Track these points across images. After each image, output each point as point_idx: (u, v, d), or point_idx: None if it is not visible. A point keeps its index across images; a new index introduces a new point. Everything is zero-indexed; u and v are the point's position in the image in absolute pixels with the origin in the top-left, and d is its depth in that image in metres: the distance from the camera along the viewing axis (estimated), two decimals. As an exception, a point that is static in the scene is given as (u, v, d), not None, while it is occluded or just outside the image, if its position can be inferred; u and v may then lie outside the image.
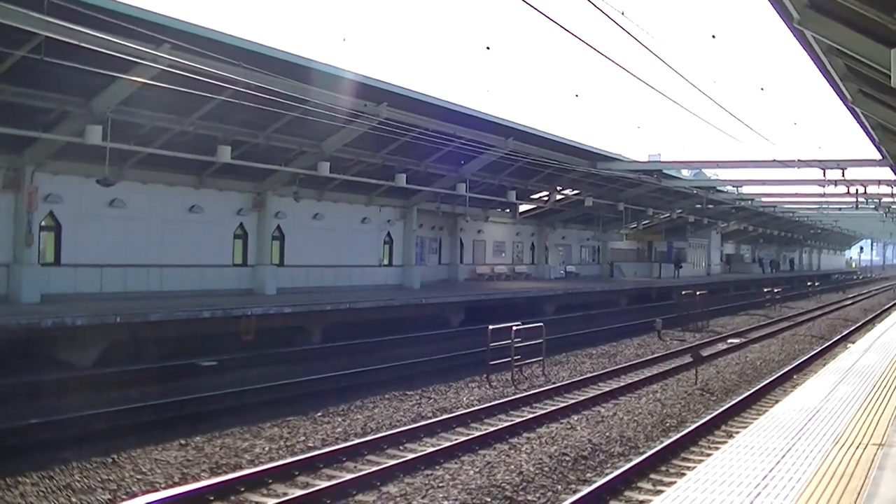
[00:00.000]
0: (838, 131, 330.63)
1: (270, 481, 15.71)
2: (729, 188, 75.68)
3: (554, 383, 27.25)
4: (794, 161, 49.36)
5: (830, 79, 24.15)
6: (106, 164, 29.12)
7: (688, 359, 30.98)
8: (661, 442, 19.34)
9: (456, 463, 17.36)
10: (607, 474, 16.46)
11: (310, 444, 18.66)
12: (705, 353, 33.44)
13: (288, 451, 18.02)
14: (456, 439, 19.29)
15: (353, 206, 48.30)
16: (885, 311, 59.58)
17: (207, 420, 20.42)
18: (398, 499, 14.73)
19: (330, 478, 16.12)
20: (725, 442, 16.11)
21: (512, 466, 16.92)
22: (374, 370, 28.02)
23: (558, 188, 60.43)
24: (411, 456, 17.61)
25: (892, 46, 16.11)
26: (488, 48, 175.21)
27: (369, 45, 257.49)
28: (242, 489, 15.14)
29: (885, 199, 70.87)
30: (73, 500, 14.32)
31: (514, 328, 28.19)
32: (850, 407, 16.04)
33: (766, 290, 67.82)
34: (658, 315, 45.26)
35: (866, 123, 31.57)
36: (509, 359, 27.99)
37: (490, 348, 27.74)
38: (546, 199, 61.83)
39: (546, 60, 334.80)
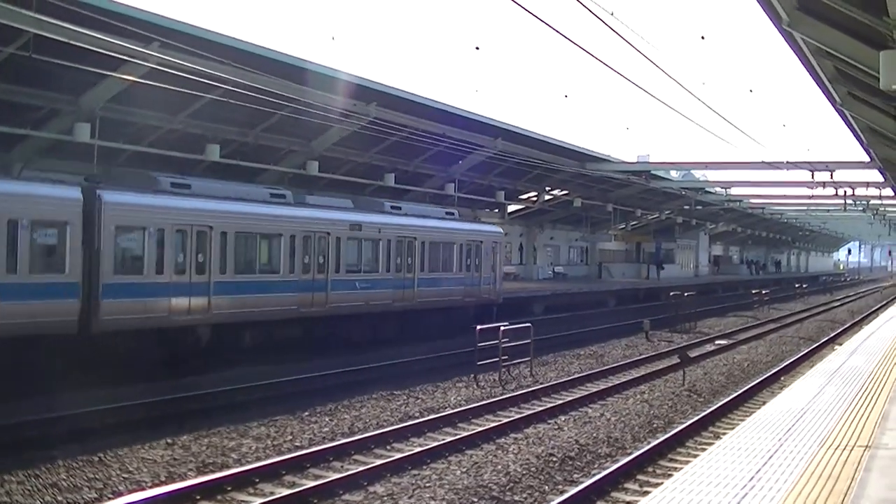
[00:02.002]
0: (827, 133, 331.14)
1: (257, 480, 15.70)
2: (717, 189, 75.81)
3: (541, 384, 27.26)
4: (782, 163, 49.47)
5: (819, 81, 24.21)
6: (94, 162, 29.03)
7: (675, 360, 31.04)
8: (649, 443, 19.36)
9: (443, 463, 17.36)
10: (594, 475, 16.48)
11: (297, 444, 18.66)
12: (693, 354, 33.49)
13: (275, 451, 18.01)
14: (443, 439, 19.31)
15: (341, 206, 48.43)
16: (873, 314, 59.66)
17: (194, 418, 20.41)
18: (385, 498, 14.72)
19: (317, 477, 16.11)
20: (712, 443, 16.12)
21: (499, 467, 16.93)
22: (361, 370, 27.97)
23: (547, 188, 60.49)
24: (398, 456, 17.62)
25: (881, 49, 16.17)
26: (477, 48, 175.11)
27: (358, 44, 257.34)
28: (229, 488, 15.13)
29: (873, 202, 71.09)
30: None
31: (502, 328, 28.17)
32: (837, 409, 16.07)
33: (753, 291, 67.93)
34: (646, 316, 45.35)
35: (855, 126, 31.66)
36: (497, 359, 27.98)
37: (478, 348, 27.72)
38: (535, 199, 61.91)
39: (535, 61, 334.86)
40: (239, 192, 30.30)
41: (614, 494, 15.54)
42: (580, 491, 15.08)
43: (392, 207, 37.63)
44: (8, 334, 21.61)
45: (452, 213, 42.34)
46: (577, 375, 29.10)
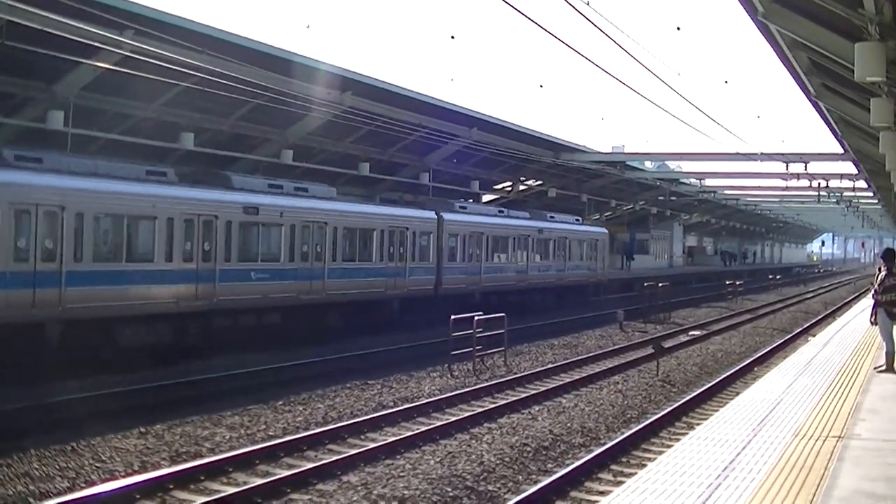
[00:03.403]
0: (801, 125, 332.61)
1: (231, 470, 15.67)
2: (692, 180, 75.99)
3: (515, 373, 27.32)
4: (756, 154, 49.56)
5: (794, 73, 24.27)
6: (68, 150, 28.86)
7: (649, 350, 31.05)
8: (622, 433, 19.43)
9: (417, 452, 17.37)
10: (568, 465, 16.52)
11: (271, 433, 18.64)
12: (667, 344, 33.55)
13: (249, 440, 17.98)
14: (417, 429, 19.34)
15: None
16: (846, 305, 59.94)
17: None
18: (359, 488, 14.72)
19: (291, 466, 16.11)
20: (686, 433, 16.17)
21: (473, 456, 16.94)
22: (335, 359, 27.94)
23: (521, 179, 60.54)
24: (372, 445, 17.64)
25: (856, 41, 16.20)
26: (453, 37, 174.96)
27: (333, 32, 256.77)
28: (202, 477, 15.10)
29: (846, 193, 71.36)
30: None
31: (476, 318, 28.17)
32: (810, 399, 16.14)
33: (728, 282, 68.23)
34: (620, 306, 45.44)
35: (829, 117, 31.75)
36: (471, 349, 27.98)
37: (452, 338, 27.70)
38: (509, 189, 61.87)
39: (510, 50, 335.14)
40: (486, 210, 49.94)
41: (588, 484, 15.57)
42: (554, 481, 15.12)
43: (550, 217, 55.12)
44: (410, 295, 39.06)
45: (578, 220, 60.71)
46: (551, 365, 29.15)
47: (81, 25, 22.93)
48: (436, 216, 41.16)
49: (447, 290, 41.24)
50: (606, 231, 63.55)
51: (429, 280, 40.59)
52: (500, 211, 50.12)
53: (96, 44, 25.12)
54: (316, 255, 33.01)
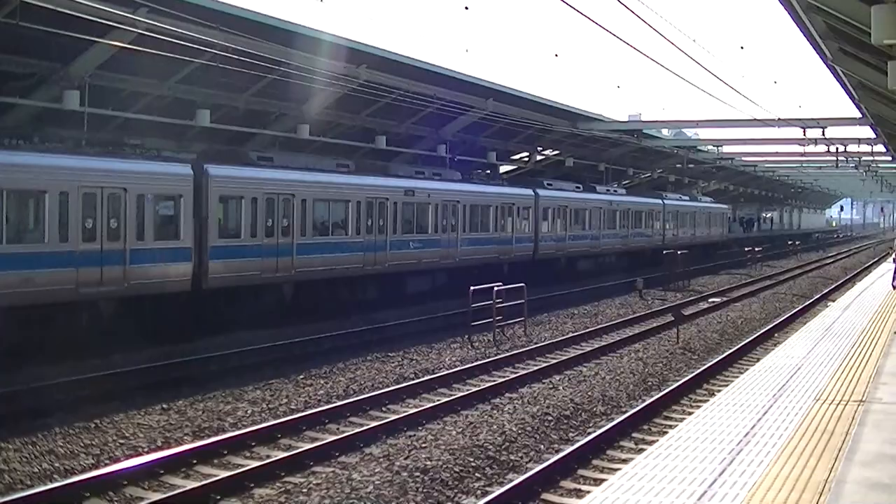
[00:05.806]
0: (818, 90, 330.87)
1: (253, 444, 15.74)
2: (710, 148, 75.64)
3: (535, 343, 27.31)
4: (774, 120, 49.24)
5: (810, 37, 24.07)
6: (84, 129, 28.88)
7: (669, 318, 31.03)
8: (643, 401, 19.45)
9: (438, 423, 17.42)
10: (590, 433, 16.54)
11: (292, 407, 18.70)
12: (687, 312, 33.51)
13: (271, 414, 18.05)
14: (438, 400, 19.40)
15: (333, 169, 48.48)
16: (866, 270, 59.78)
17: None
18: (381, 459, 14.76)
19: (313, 440, 16.16)
20: (707, 400, 16.17)
21: (494, 426, 16.96)
22: (355, 332, 27.96)
23: (539, 149, 60.30)
24: (394, 417, 17.69)
25: (872, 3, 16.09)
26: (467, 8, 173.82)
27: (347, 5, 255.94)
28: (225, 452, 15.18)
29: (864, 158, 70.93)
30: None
31: (496, 289, 28.16)
32: (830, 364, 16.14)
33: (746, 249, 68.26)
34: (639, 274, 45.38)
35: (846, 82, 31.50)
36: (491, 319, 27.98)
37: (472, 309, 27.72)
38: (526, 159, 61.68)
39: (525, 20, 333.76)
40: (675, 197, 73.25)
41: (610, 452, 15.61)
42: (576, 449, 15.15)
43: (700, 199, 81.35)
44: (651, 247, 62.70)
45: (712, 200, 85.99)
46: (571, 335, 29.16)
47: (95, 5, 22.92)
48: (661, 202, 67.33)
49: (665, 244, 62.45)
50: (728, 207, 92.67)
51: (660, 239, 65.35)
52: (679, 197, 73.92)
53: (110, 23, 25.12)
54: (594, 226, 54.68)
